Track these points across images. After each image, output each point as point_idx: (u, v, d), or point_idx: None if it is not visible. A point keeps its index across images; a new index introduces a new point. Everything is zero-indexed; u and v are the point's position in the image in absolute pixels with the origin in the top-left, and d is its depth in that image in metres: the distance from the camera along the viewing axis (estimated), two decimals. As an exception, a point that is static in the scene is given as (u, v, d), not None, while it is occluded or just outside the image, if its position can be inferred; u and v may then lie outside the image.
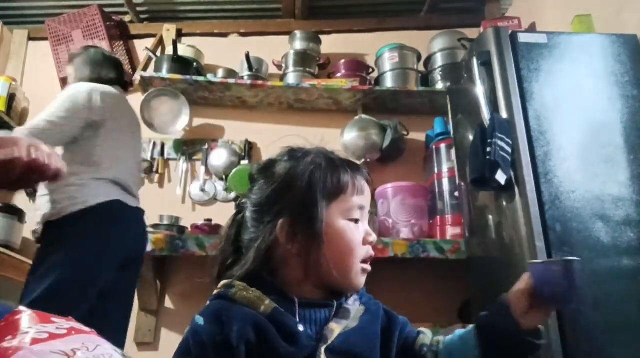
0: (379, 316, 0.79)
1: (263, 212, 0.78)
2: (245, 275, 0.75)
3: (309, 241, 0.74)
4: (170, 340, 2.24)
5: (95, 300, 1.57)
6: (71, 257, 1.54)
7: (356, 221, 0.78)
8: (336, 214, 0.76)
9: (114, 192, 1.70)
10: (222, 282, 0.76)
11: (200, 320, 0.69)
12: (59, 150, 1.70)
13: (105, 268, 1.61)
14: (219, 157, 2.58)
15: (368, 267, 0.78)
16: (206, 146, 2.64)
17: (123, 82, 2.01)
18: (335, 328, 0.72)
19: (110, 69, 1.94)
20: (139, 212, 1.82)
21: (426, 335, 0.83)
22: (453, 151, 2.16)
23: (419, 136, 2.64)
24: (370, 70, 2.75)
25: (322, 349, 0.69)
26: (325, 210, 0.75)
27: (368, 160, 2.53)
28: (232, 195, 2.54)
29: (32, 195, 2.29)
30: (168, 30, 2.95)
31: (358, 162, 0.89)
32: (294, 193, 0.76)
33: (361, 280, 0.77)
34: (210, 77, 2.64)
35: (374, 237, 0.80)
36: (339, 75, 2.70)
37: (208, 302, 0.75)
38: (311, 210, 0.75)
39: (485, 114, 1.60)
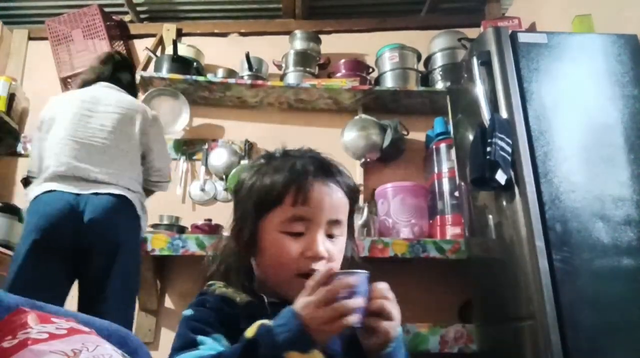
0: None
1: (232, 216, 0.85)
2: (222, 275, 0.82)
3: (245, 249, 0.80)
4: (171, 340, 2.22)
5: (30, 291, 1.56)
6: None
7: (297, 234, 0.75)
8: (271, 225, 0.77)
9: (46, 186, 1.71)
10: (207, 284, 0.82)
11: (188, 311, 0.75)
12: None
13: (24, 259, 1.61)
14: (219, 156, 2.58)
15: (310, 281, 0.68)
16: (206, 146, 2.64)
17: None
18: None
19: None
20: (65, 196, 1.69)
21: None
22: (453, 151, 2.16)
23: (419, 136, 2.64)
24: (371, 70, 2.75)
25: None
26: (261, 221, 0.78)
27: (368, 160, 2.53)
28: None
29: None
30: (168, 30, 2.95)
31: (339, 167, 0.83)
32: (237, 203, 0.84)
33: (297, 292, 0.68)
34: (210, 76, 2.64)
35: (313, 251, 0.74)
36: (339, 75, 2.70)
37: (190, 303, 0.80)
38: (244, 221, 0.80)
39: (485, 114, 1.60)
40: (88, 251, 1.66)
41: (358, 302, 0.64)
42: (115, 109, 1.86)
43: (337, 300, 0.63)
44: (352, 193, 0.83)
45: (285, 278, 0.75)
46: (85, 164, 1.75)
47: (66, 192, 1.69)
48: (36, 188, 1.73)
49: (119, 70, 2.03)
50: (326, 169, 0.80)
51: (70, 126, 1.80)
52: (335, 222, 0.78)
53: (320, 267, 0.74)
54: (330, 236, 0.78)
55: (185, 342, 0.69)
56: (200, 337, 0.69)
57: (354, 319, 0.63)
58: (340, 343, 0.72)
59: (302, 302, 0.65)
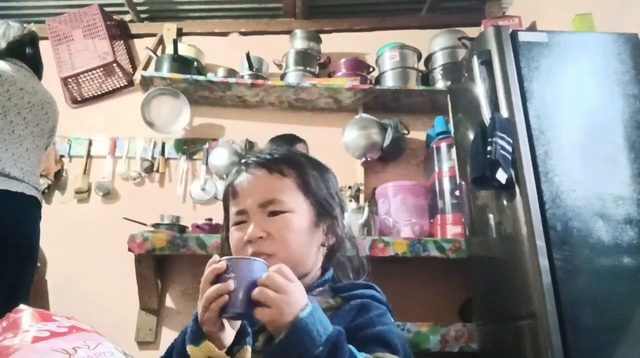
0: (348, 315, 0.76)
1: None
2: None
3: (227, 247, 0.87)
4: (171, 340, 2.22)
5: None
6: None
7: (242, 223, 0.82)
8: (230, 221, 0.85)
9: None
10: None
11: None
12: None
13: None
14: (219, 156, 2.58)
15: None
16: (207, 145, 2.64)
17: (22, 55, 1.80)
18: None
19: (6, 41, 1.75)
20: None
21: None
22: (453, 150, 2.15)
23: (419, 135, 2.64)
24: (371, 69, 2.75)
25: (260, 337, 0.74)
26: (229, 221, 0.85)
27: (369, 159, 2.53)
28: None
29: None
30: (168, 30, 2.95)
31: (274, 150, 0.88)
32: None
33: None
34: (210, 76, 2.65)
35: (247, 235, 0.78)
36: (339, 74, 2.70)
37: None
38: (224, 222, 0.89)
39: (486, 113, 1.60)
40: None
41: (227, 285, 0.62)
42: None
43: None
44: (289, 166, 0.83)
45: None
46: None
47: None
48: None
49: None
50: (255, 160, 0.85)
51: None
52: (270, 202, 0.80)
53: (265, 248, 0.77)
54: (273, 216, 0.80)
55: (168, 347, 0.81)
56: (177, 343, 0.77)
57: (221, 302, 0.62)
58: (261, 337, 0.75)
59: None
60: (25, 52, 1.82)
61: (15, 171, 1.63)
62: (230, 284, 0.63)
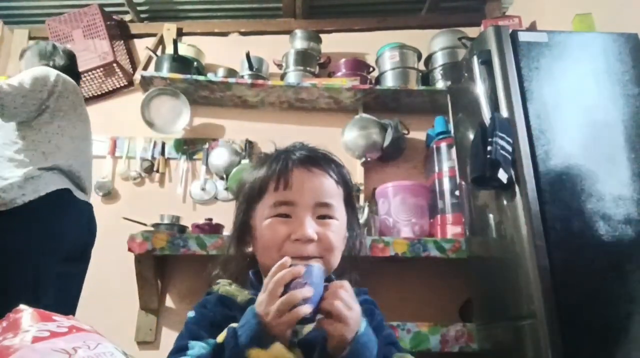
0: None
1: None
2: (230, 272, 0.84)
3: (239, 239, 0.84)
4: (171, 339, 2.21)
5: (36, 291, 1.53)
6: (11, 249, 1.52)
7: (285, 216, 0.76)
8: (262, 213, 0.79)
9: (65, 182, 1.69)
10: (214, 282, 0.84)
11: (191, 313, 0.78)
12: (13, 136, 1.67)
13: (45, 260, 1.58)
14: (219, 156, 2.58)
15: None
16: (207, 145, 2.64)
17: (75, 73, 1.99)
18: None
19: (63, 58, 1.92)
20: (86, 206, 1.80)
21: None
22: (453, 150, 2.15)
23: (419, 135, 2.64)
24: (371, 69, 2.75)
25: (295, 341, 0.68)
26: (252, 213, 0.81)
27: (369, 159, 2.53)
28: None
29: None
30: (168, 30, 2.95)
31: (326, 155, 0.84)
32: (236, 201, 0.88)
33: None
34: (210, 76, 2.65)
35: (300, 233, 0.74)
36: (339, 74, 2.70)
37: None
38: (238, 214, 0.85)
39: (486, 113, 1.60)
40: None
41: (305, 291, 0.63)
42: None
43: (286, 292, 0.63)
44: (341, 177, 0.83)
45: (276, 263, 0.71)
46: None
47: None
48: (53, 178, 1.71)
49: None
50: (309, 156, 0.81)
51: None
52: (323, 205, 0.77)
53: (310, 250, 0.74)
54: (322, 219, 0.77)
55: (178, 347, 0.71)
56: (191, 343, 0.70)
57: (304, 310, 0.62)
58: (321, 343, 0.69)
59: (259, 299, 0.66)
60: (76, 70, 2.01)
61: (89, 186, 1.87)
62: (310, 291, 0.63)
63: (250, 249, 0.84)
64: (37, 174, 1.62)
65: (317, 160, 0.80)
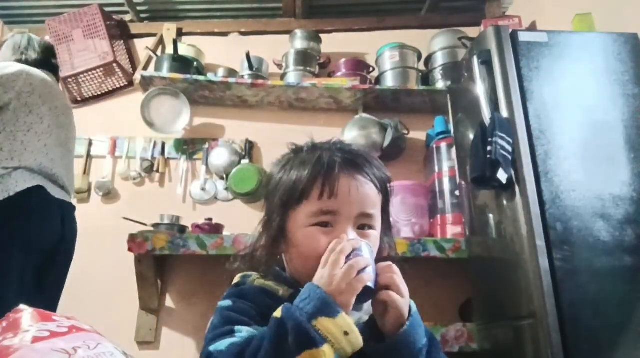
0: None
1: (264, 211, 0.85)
2: (257, 268, 0.81)
3: (273, 243, 0.80)
4: (171, 339, 2.24)
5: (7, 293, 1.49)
6: None
7: (326, 226, 0.74)
8: (300, 220, 0.76)
9: (37, 178, 1.63)
10: (239, 275, 0.81)
11: (226, 302, 0.74)
12: None
13: (15, 263, 1.53)
14: (219, 156, 2.58)
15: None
16: (207, 145, 2.64)
17: (52, 66, 1.90)
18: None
19: (36, 51, 1.85)
20: (64, 205, 1.73)
21: None
22: (453, 150, 2.15)
23: (419, 135, 2.64)
24: (371, 69, 2.75)
25: None
26: (289, 216, 0.78)
27: (368, 159, 2.53)
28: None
29: None
30: (168, 30, 2.94)
31: (368, 159, 0.81)
32: (266, 197, 0.85)
33: None
34: (210, 76, 2.65)
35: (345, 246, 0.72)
36: (339, 74, 2.70)
37: (226, 293, 0.78)
38: (271, 215, 0.81)
39: (486, 113, 1.60)
40: None
41: (367, 259, 0.67)
42: None
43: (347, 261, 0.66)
44: (383, 184, 0.81)
45: (315, 272, 0.70)
46: None
47: None
48: (23, 176, 1.65)
49: None
50: (354, 161, 0.78)
51: None
52: (366, 216, 0.76)
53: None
54: (361, 230, 0.76)
55: (222, 332, 0.68)
56: (237, 327, 0.68)
57: (368, 276, 0.65)
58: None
59: (317, 275, 0.67)
60: (52, 63, 1.94)
61: (68, 183, 1.80)
62: (370, 260, 0.67)
63: (280, 251, 0.81)
64: (4, 173, 1.57)
65: (362, 167, 0.78)
